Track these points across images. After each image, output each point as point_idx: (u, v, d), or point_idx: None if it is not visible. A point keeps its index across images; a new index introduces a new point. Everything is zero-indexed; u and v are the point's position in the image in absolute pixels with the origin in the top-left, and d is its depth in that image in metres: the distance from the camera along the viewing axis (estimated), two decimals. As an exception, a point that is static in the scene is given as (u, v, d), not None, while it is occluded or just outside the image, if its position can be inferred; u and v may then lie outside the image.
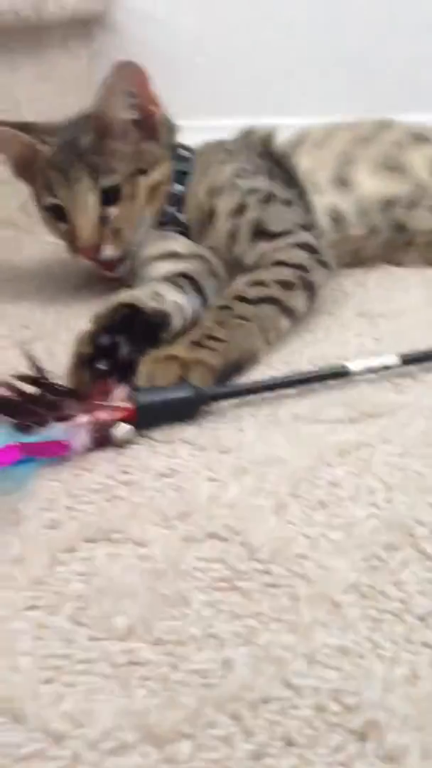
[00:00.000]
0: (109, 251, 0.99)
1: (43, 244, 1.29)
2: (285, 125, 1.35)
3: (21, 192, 1.34)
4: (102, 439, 0.67)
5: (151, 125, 1.02)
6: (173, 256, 0.98)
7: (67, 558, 0.54)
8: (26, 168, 1.05)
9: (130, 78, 0.98)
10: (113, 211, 0.98)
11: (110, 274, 1.03)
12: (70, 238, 1.01)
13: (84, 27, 1.63)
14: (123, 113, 0.99)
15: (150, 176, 1.01)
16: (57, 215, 1.01)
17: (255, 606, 0.50)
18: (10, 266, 1.19)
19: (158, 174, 1.01)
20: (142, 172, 1.00)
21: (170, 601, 0.50)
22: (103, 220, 0.98)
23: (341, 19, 1.59)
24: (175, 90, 1.64)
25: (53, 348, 0.87)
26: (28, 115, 1.39)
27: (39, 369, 0.67)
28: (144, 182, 1.00)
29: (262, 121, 1.39)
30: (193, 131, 1.31)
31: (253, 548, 0.54)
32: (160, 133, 1.03)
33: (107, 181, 0.98)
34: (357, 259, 1.08)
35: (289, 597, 0.50)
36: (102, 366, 0.72)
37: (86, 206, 0.97)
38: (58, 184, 0.99)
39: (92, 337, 0.74)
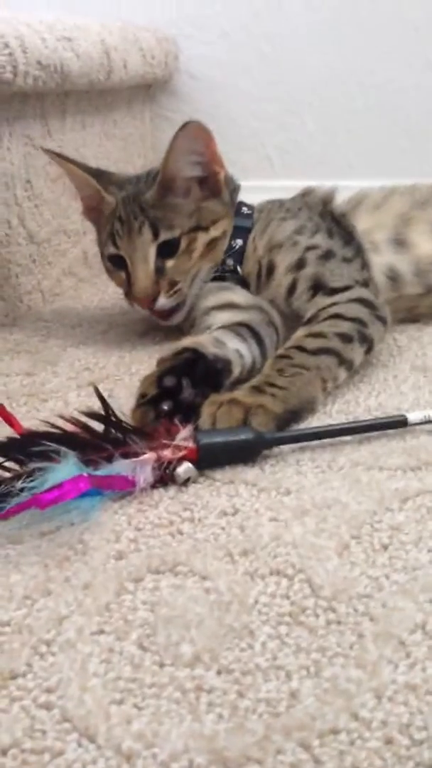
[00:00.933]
0: (163, 301, 1.02)
1: (104, 294, 1.34)
2: (342, 186, 1.40)
3: (82, 242, 1.40)
4: (165, 477, 0.69)
5: (214, 184, 1.06)
6: (232, 306, 1.01)
7: (133, 587, 0.56)
8: (93, 212, 1.11)
9: (197, 137, 1.02)
10: (170, 263, 1.02)
11: (164, 322, 1.06)
12: (128, 287, 1.05)
13: (147, 90, 1.71)
14: (187, 170, 1.04)
15: (209, 233, 1.05)
16: (117, 264, 1.06)
17: (321, 641, 0.50)
18: (75, 313, 1.23)
19: (217, 231, 1.05)
20: (203, 228, 1.04)
21: (236, 632, 0.51)
22: (159, 270, 1.02)
23: (401, 80, 1.64)
24: (232, 150, 1.73)
25: (114, 390, 0.90)
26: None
27: (107, 406, 0.69)
28: (202, 238, 1.04)
29: (309, 182, 1.44)
30: (247, 191, 1.36)
31: (316, 586, 0.55)
32: (222, 191, 1.07)
33: (166, 236, 1.02)
34: (412, 315, 1.10)
35: (355, 634, 0.51)
36: (165, 406, 0.74)
37: (145, 259, 1.02)
38: (120, 235, 1.03)
39: (157, 379, 0.76)
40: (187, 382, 0.77)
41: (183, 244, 1.03)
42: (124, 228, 1.03)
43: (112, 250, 1.05)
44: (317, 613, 0.53)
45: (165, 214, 1.03)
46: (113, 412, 0.69)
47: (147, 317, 1.09)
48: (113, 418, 0.69)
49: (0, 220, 1.17)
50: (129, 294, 1.06)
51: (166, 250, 1.02)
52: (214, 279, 1.06)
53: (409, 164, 1.62)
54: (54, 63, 1.18)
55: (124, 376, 0.95)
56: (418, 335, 1.07)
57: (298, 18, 1.65)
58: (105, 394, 0.88)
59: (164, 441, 0.69)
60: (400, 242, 1.08)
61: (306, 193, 1.15)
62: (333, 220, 1.07)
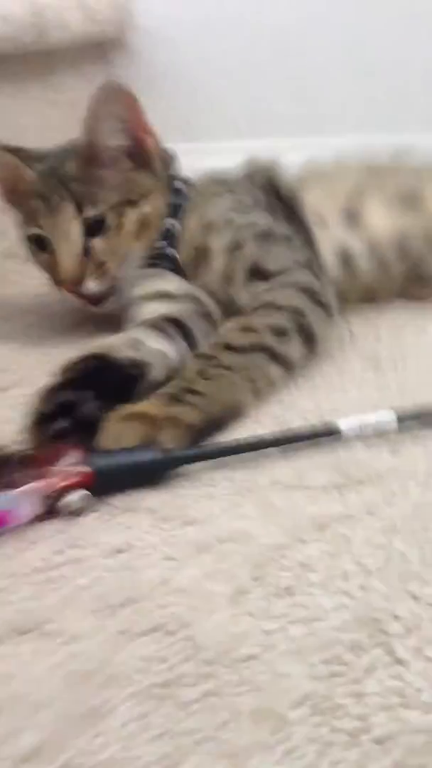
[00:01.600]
0: (91, 285, 0.93)
1: (43, 279, 1.26)
2: (313, 143, 1.29)
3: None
4: (56, 507, 0.61)
5: (142, 154, 0.96)
6: (165, 296, 0.93)
7: (-12, 653, 0.48)
8: (14, 193, 0.99)
9: (117, 102, 0.92)
10: (97, 242, 0.92)
11: (96, 310, 0.96)
12: (52, 270, 0.95)
13: (98, 50, 1.59)
14: (110, 139, 0.93)
15: (139, 208, 0.94)
16: (40, 246, 0.96)
17: (190, 720, 0.43)
18: (8, 303, 1.15)
19: (149, 206, 0.95)
20: (131, 203, 0.94)
21: (93, 711, 0.44)
22: (87, 251, 0.92)
23: (371, 26, 1.52)
24: (195, 113, 1.63)
25: (27, 396, 0.82)
26: (36, 142, 1.37)
27: (-17, 431, 0.61)
28: (132, 214, 0.94)
29: (277, 141, 1.34)
30: (212, 154, 1.26)
31: (199, 646, 0.48)
32: (153, 162, 0.97)
33: (92, 212, 0.92)
34: (370, 296, 1.01)
35: (231, 709, 0.43)
36: (61, 425, 0.66)
37: (69, 237, 0.92)
38: (41, 213, 0.93)
39: (52, 393, 0.68)
40: (89, 395, 0.69)
41: (110, 219, 0.93)
42: (45, 205, 0.93)
43: (34, 230, 0.95)
44: (194, 682, 0.45)
45: (89, 189, 0.92)
46: (-10, 437, 0.61)
47: (78, 305, 1.00)
48: (-7, 444, 0.61)
49: None
50: (54, 278, 0.96)
51: (94, 228, 0.93)
52: (149, 264, 0.97)
53: (384, 117, 1.51)
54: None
55: (41, 378, 0.87)
56: (376, 319, 0.98)
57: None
58: (22, 404, 0.81)
59: (53, 467, 0.61)
60: (351, 216, 0.98)
61: (248, 165, 1.05)
62: (274, 193, 0.98)
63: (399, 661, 0.45)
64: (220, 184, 0.99)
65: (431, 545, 0.55)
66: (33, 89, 1.37)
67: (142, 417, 0.67)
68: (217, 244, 0.91)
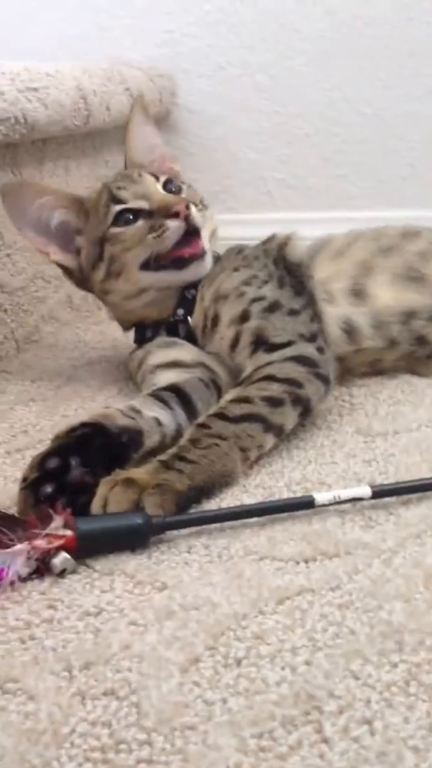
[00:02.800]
0: (195, 212, 1.00)
1: (82, 339, 1.33)
2: (342, 218, 1.34)
3: (65, 286, 1.39)
4: (42, 568, 0.66)
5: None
6: (178, 365, 0.97)
7: None
8: (69, 236, 1.06)
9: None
10: (181, 193, 1.05)
11: (192, 271, 1.00)
12: (155, 222, 0.98)
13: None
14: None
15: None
16: (129, 220, 1.00)
17: (120, 786, 0.46)
18: (41, 365, 1.21)
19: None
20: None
21: (34, 771, 0.47)
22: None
23: (399, 108, 1.57)
24: (234, 185, 1.70)
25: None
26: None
27: (-27, 495, 0.66)
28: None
29: (310, 214, 1.39)
30: (250, 224, 1.32)
31: (142, 713, 0.51)
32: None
33: (166, 177, 1.05)
34: (375, 369, 1.04)
35: (159, 778, 0.46)
36: (47, 490, 0.70)
37: (159, 189, 1.03)
38: (126, 187, 1.02)
39: (41, 460, 0.73)
40: (75, 462, 0.73)
41: (185, 186, 1.07)
42: (126, 180, 1.04)
43: (118, 207, 1.01)
44: (131, 748, 0.48)
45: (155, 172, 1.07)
46: (-19, 500, 0.66)
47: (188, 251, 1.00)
48: (-18, 507, 0.66)
49: (-38, 275, 1.16)
50: (155, 228, 0.98)
51: (171, 190, 1.04)
52: (167, 331, 1.03)
53: (410, 193, 1.55)
54: (14, 115, 1.17)
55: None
56: (377, 390, 1.00)
57: (293, 50, 1.61)
58: (25, 465, 0.86)
59: (38, 530, 0.66)
60: (357, 293, 1.02)
61: (268, 240, 1.10)
62: (286, 268, 1.02)
63: (325, 740, 0.48)
64: (240, 258, 1.04)
65: (381, 625, 0.57)
66: (82, 167, 1.46)
67: (131, 483, 0.71)
68: (227, 314, 0.96)
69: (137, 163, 1.09)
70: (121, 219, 1.00)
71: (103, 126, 1.45)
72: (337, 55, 1.58)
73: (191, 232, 0.98)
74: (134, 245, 0.99)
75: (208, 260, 1.01)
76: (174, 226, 0.97)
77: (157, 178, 1.04)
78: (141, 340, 1.05)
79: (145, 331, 1.05)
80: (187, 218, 0.97)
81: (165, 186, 1.03)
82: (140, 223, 0.99)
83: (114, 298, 1.05)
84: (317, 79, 1.61)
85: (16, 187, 1.05)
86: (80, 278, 1.08)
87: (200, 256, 0.99)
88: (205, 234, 1.02)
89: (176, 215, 0.96)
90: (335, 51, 1.58)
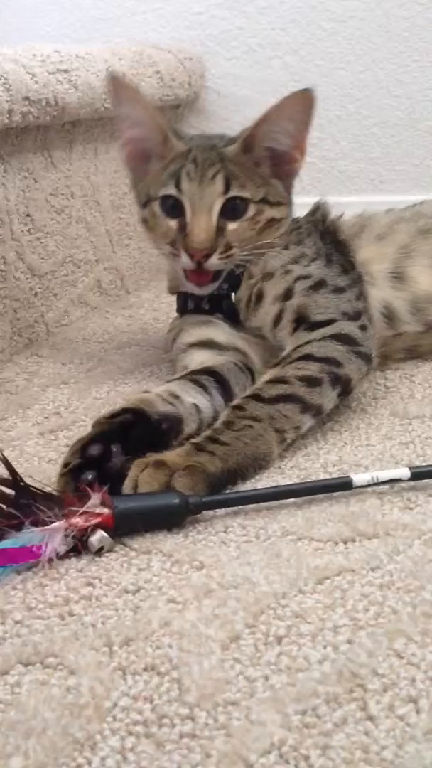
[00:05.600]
0: (215, 261, 0.93)
1: (111, 323, 1.33)
2: (374, 202, 1.32)
3: (95, 271, 1.39)
4: (80, 546, 0.66)
5: (288, 167, 0.99)
6: (211, 345, 0.97)
7: (-6, 681, 0.52)
8: (139, 157, 1.01)
9: (305, 111, 0.95)
10: (232, 226, 0.94)
11: (198, 290, 0.97)
12: (180, 236, 0.94)
13: (174, 111, 1.68)
14: (273, 137, 0.96)
15: (273, 210, 0.97)
16: (169, 210, 0.96)
17: (164, 759, 0.46)
18: (72, 348, 1.22)
19: (280, 212, 0.98)
20: (270, 203, 0.97)
21: (78, 744, 0.47)
22: (220, 230, 0.93)
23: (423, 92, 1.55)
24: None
25: (73, 439, 0.87)
26: (109, 199, 1.46)
27: (13, 471, 0.66)
28: (268, 212, 0.96)
29: (340, 198, 1.37)
30: None
31: (184, 688, 0.50)
32: (291, 179, 1.00)
33: (237, 192, 0.94)
34: (412, 354, 1.03)
35: (203, 752, 0.46)
36: (88, 477, 0.70)
37: (210, 209, 0.93)
38: (190, 178, 0.94)
39: (82, 446, 0.73)
40: (117, 449, 0.73)
41: (251, 212, 0.95)
42: (197, 171, 0.94)
43: (172, 191, 0.95)
44: (174, 723, 0.48)
45: (240, 173, 0.95)
46: (21, 477, 0.66)
47: (188, 279, 0.97)
48: (22, 483, 0.66)
49: (-6, 258, 1.16)
50: (176, 243, 0.94)
51: (231, 210, 0.94)
52: (210, 303, 1.00)
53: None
54: (46, 97, 1.17)
55: (90, 422, 0.92)
56: (412, 374, 0.99)
57: (324, 30, 1.59)
58: (62, 444, 0.87)
59: (76, 508, 0.66)
60: (398, 276, 1.00)
61: (314, 211, 1.08)
62: (333, 243, 1.00)
63: (370, 718, 0.47)
64: (294, 235, 1.01)
65: (424, 605, 0.56)
66: (111, 150, 1.45)
67: (162, 465, 0.71)
68: (272, 292, 0.94)
69: (255, 140, 0.96)
70: (166, 203, 0.96)
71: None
72: (369, 36, 1.56)
73: (202, 270, 0.94)
74: (160, 236, 0.98)
75: (217, 284, 0.96)
76: (184, 260, 0.93)
77: (227, 189, 0.93)
78: (183, 310, 1.03)
79: (187, 300, 1.02)
80: (199, 263, 0.93)
81: (227, 203, 0.94)
82: (174, 223, 0.95)
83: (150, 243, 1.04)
84: (348, 60, 1.59)
85: (119, 85, 0.99)
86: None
87: (202, 285, 0.96)
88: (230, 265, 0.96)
89: (191, 256, 0.93)
90: (367, 32, 1.56)
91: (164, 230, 0.96)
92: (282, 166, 0.99)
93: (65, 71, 1.22)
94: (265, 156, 0.97)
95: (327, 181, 1.66)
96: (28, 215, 1.22)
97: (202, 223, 0.92)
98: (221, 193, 0.93)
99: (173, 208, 0.95)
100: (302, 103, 0.94)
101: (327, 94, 1.62)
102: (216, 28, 1.67)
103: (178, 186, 0.94)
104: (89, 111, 1.30)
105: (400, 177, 1.61)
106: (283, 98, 0.94)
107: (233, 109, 1.69)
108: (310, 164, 1.64)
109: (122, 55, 1.43)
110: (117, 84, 0.99)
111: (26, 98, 1.13)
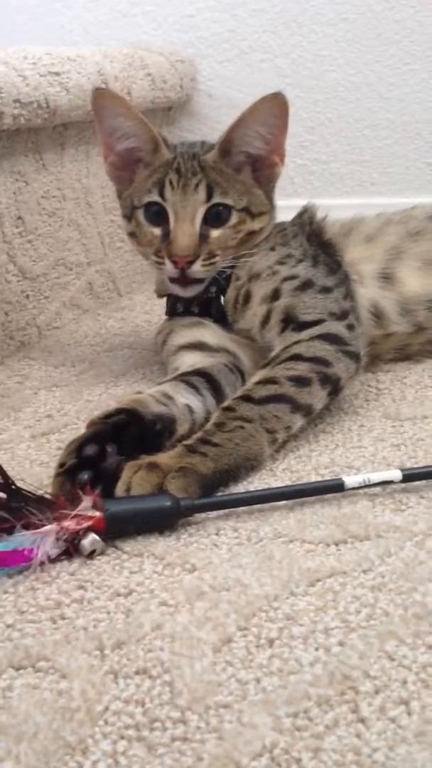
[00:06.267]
0: (197, 268, 0.93)
1: (103, 326, 1.32)
2: (365, 204, 1.33)
3: (86, 274, 1.39)
4: (72, 549, 0.66)
5: (267, 173, 1.00)
6: (201, 347, 0.97)
7: (-15, 686, 0.52)
8: (129, 164, 1.01)
9: (278, 114, 0.95)
10: (214, 233, 0.95)
11: (182, 293, 0.97)
12: (163, 244, 0.95)
13: (166, 113, 1.68)
14: (249, 142, 0.97)
15: (254, 221, 0.98)
16: (153, 219, 0.97)
17: (155, 762, 0.46)
18: (63, 351, 1.21)
19: (260, 223, 0.99)
20: (251, 214, 0.97)
21: (69, 748, 0.47)
22: (203, 238, 0.94)
23: (423, 92, 1.55)
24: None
25: (66, 442, 0.87)
26: (101, 202, 1.45)
27: (4, 474, 0.66)
28: (249, 224, 0.97)
29: (331, 201, 1.37)
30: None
31: (176, 691, 0.50)
32: (272, 185, 1.01)
33: (219, 199, 0.94)
34: (402, 354, 1.03)
35: (194, 756, 0.46)
36: (84, 477, 0.70)
37: (193, 217, 0.94)
38: (173, 186, 0.95)
39: (78, 446, 0.73)
40: (112, 449, 0.73)
41: (234, 219, 0.96)
42: (180, 181, 0.95)
43: (156, 198, 0.96)
44: (165, 726, 0.48)
45: (221, 181, 0.96)
46: (13, 480, 0.66)
47: (172, 284, 0.97)
48: (13, 487, 0.66)
49: (-16, 260, 1.16)
50: (159, 251, 0.95)
51: (214, 217, 0.95)
52: (199, 307, 1.01)
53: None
54: (37, 100, 1.17)
55: (81, 426, 0.92)
56: (404, 375, 0.99)
57: (315, 33, 1.59)
58: (56, 449, 0.86)
59: (67, 511, 0.66)
60: (386, 277, 1.01)
61: (302, 212, 1.08)
62: (320, 245, 1.01)
63: (361, 720, 0.47)
64: (279, 237, 1.02)
65: (415, 607, 0.56)
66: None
67: (154, 467, 0.71)
68: (259, 292, 0.94)
69: (231, 145, 0.97)
70: (150, 210, 0.97)
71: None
72: (360, 38, 1.57)
73: (186, 276, 0.95)
74: (145, 245, 0.99)
75: (200, 287, 0.97)
76: (168, 267, 0.94)
77: (209, 197, 0.94)
78: (172, 313, 1.04)
79: (176, 303, 1.02)
80: (183, 271, 0.94)
81: (210, 210, 0.95)
82: (158, 231, 0.96)
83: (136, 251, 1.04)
84: (340, 63, 1.59)
85: (107, 96, 1.00)
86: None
87: (186, 288, 0.96)
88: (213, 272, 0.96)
89: (175, 263, 0.94)
90: (358, 34, 1.57)
91: (149, 238, 0.98)
92: (262, 171, 1.00)
93: (56, 74, 1.22)
94: (244, 161, 0.98)
95: (318, 184, 1.66)
96: (19, 218, 1.22)
97: (185, 230, 0.94)
98: (203, 202, 0.95)
99: (157, 215, 0.96)
100: (274, 107, 0.95)
101: (318, 97, 1.62)
102: (207, 31, 1.67)
103: (161, 194, 0.96)
104: (81, 113, 1.30)
105: (392, 179, 1.61)
106: (256, 102, 0.95)
107: (224, 112, 1.69)
108: (301, 166, 1.66)
109: (114, 57, 1.42)
110: (105, 96, 1.00)
111: (17, 101, 1.13)
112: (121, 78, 1.41)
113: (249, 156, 0.98)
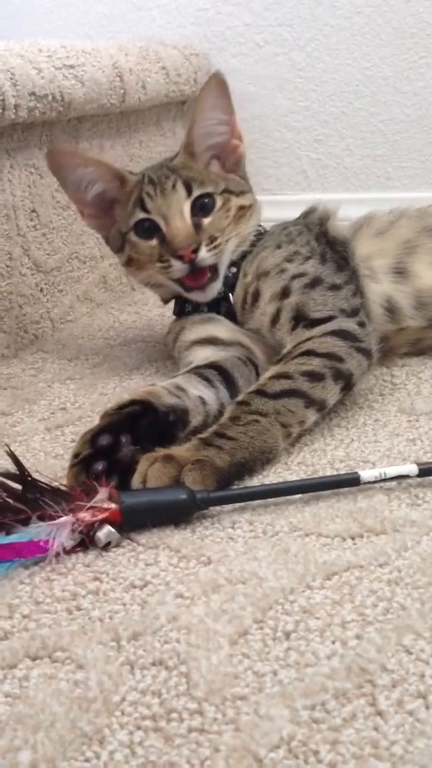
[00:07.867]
0: (204, 254, 0.94)
1: (116, 319, 1.33)
2: (380, 199, 1.32)
3: (100, 267, 1.39)
4: (87, 541, 0.66)
5: (233, 158, 1.04)
6: (214, 342, 0.97)
7: (1, 676, 0.52)
8: (105, 208, 1.05)
9: (216, 88, 0.99)
10: (207, 220, 0.97)
11: (200, 298, 0.99)
12: (163, 248, 0.96)
13: (180, 107, 1.67)
14: (209, 134, 1.01)
15: (240, 198, 1.01)
16: (145, 234, 0.98)
17: (172, 753, 0.46)
18: (77, 344, 1.22)
19: (246, 200, 1.02)
20: (233, 192, 1.01)
21: (86, 737, 0.47)
22: (197, 227, 0.96)
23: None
24: (267, 166, 1.68)
25: (79, 434, 0.87)
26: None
27: (20, 466, 0.66)
28: (235, 201, 1.00)
29: (345, 195, 1.36)
30: (283, 205, 1.31)
31: (192, 683, 0.50)
32: (241, 165, 1.05)
33: (200, 191, 0.98)
34: (417, 349, 1.02)
35: (212, 747, 0.46)
36: (98, 467, 0.70)
37: (182, 213, 0.96)
38: (152, 196, 0.97)
39: (92, 437, 0.73)
40: (126, 439, 0.73)
41: (219, 202, 0.99)
42: (157, 189, 0.98)
43: (141, 215, 0.98)
44: (182, 717, 0.48)
45: (196, 176, 0.99)
46: (28, 472, 0.66)
47: (188, 291, 0.98)
48: (29, 478, 0.66)
49: (0, 253, 1.16)
50: (164, 256, 0.96)
51: (201, 208, 0.98)
52: (208, 306, 1.01)
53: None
54: (52, 92, 1.17)
55: (95, 418, 0.92)
56: (419, 370, 0.99)
57: (330, 27, 1.58)
58: (68, 439, 0.87)
59: (83, 503, 0.66)
60: (400, 271, 1.00)
61: (309, 212, 1.08)
62: (328, 243, 1.00)
63: (379, 713, 0.47)
64: (284, 235, 1.02)
65: (432, 600, 0.56)
66: (117, 146, 1.45)
67: (170, 459, 0.71)
68: (268, 291, 0.94)
69: (194, 145, 1.01)
70: (140, 228, 0.99)
71: (138, 105, 1.44)
72: (376, 32, 1.56)
73: (197, 269, 0.96)
74: (145, 262, 1.00)
75: (218, 284, 0.98)
76: (177, 267, 0.95)
77: (189, 192, 0.97)
78: (180, 313, 1.04)
79: (184, 304, 1.03)
80: (192, 261, 0.95)
81: (196, 202, 0.97)
82: (154, 242, 0.98)
83: (138, 282, 1.08)
84: (355, 57, 1.58)
85: (60, 155, 1.04)
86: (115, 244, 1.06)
87: (204, 286, 0.98)
88: (224, 259, 0.99)
89: (181, 258, 0.94)
90: (373, 28, 1.56)
91: (148, 252, 0.99)
92: (228, 159, 1.03)
93: (71, 66, 1.22)
94: (210, 156, 1.03)
95: (332, 178, 1.65)
96: (33, 211, 1.22)
97: (178, 225, 0.96)
98: (186, 197, 0.97)
99: (148, 230, 0.99)
100: (216, 87, 1.00)
101: (333, 91, 1.62)
102: (222, 24, 1.67)
103: (144, 208, 0.98)
104: (95, 106, 1.30)
105: (407, 174, 1.60)
106: (198, 92, 0.99)
107: (239, 106, 1.67)
108: (315, 161, 1.65)
109: (128, 50, 1.42)
110: (57, 155, 1.04)
111: (32, 93, 1.13)
112: (136, 71, 1.40)
113: (212, 149, 1.02)
